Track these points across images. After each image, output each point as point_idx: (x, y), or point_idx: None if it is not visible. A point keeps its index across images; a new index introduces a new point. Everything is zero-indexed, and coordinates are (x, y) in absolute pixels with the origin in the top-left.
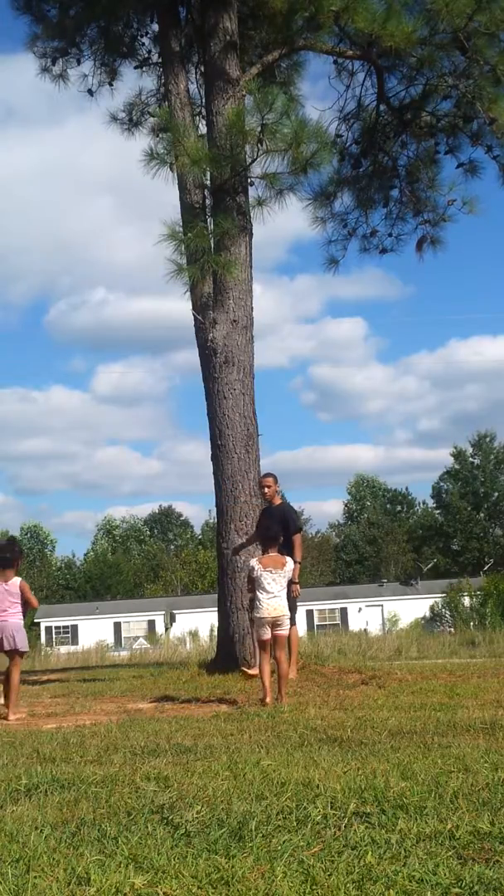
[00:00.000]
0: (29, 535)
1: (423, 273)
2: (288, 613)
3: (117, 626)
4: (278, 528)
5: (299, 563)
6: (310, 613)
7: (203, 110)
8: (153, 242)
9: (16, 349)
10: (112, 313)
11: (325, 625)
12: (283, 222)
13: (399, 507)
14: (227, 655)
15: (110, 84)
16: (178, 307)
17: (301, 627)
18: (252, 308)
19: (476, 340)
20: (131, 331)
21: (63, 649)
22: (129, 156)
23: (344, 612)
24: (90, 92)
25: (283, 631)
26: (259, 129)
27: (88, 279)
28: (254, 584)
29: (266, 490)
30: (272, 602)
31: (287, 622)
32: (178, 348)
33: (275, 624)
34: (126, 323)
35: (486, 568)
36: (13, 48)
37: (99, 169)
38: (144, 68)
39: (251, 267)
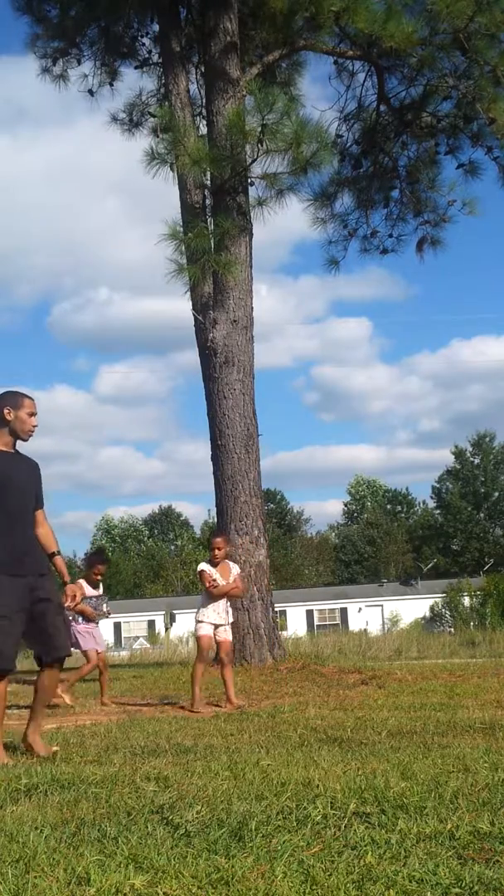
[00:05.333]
0: None
1: (428, 273)
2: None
3: (117, 626)
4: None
5: (60, 555)
6: (310, 613)
7: (203, 110)
8: (155, 242)
9: (20, 349)
10: (116, 314)
11: (325, 625)
12: (287, 223)
13: (399, 508)
14: None
15: (111, 84)
16: (181, 307)
17: (301, 627)
18: (252, 308)
19: (479, 340)
20: (134, 331)
21: None
22: (135, 156)
23: (344, 612)
24: (90, 92)
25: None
26: (259, 129)
27: (93, 280)
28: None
29: (31, 426)
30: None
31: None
32: (181, 349)
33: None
34: (130, 323)
35: (486, 568)
36: (24, 49)
37: (107, 169)
38: (145, 68)
39: (251, 267)
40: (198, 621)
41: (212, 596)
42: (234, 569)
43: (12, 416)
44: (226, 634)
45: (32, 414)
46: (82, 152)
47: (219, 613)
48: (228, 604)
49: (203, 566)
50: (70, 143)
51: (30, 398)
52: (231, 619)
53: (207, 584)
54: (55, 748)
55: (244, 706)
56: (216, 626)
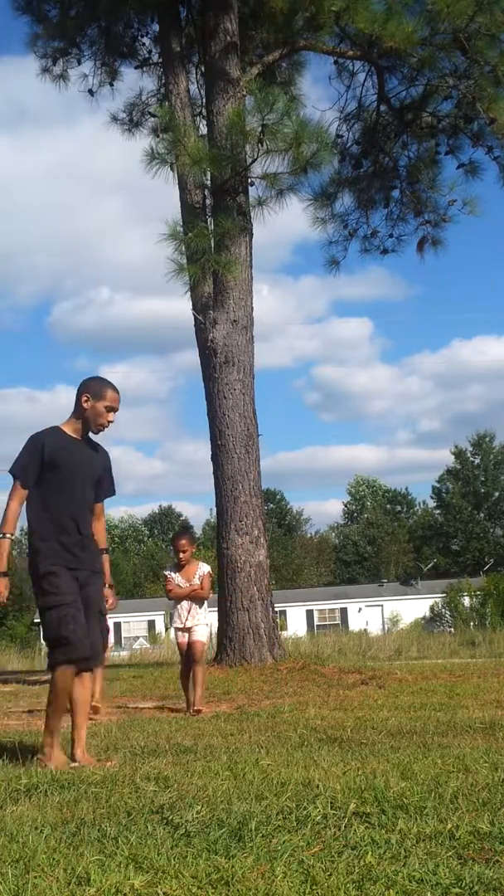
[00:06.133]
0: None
1: (429, 273)
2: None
3: (117, 626)
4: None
5: (108, 553)
6: (310, 613)
7: (203, 110)
8: (155, 242)
9: (22, 349)
10: (116, 314)
11: (325, 625)
12: (288, 223)
13: (399, 508)
14: (228, 655)
15: (111, 84)
16: (181, 307)
17: (301, 627)
18: (252, 308)
19: (479, 340)
20: (135, 331)
21: None
22: (136, 156)
23: (344, 612)
24: (91, 92)
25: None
26: (259, 129)
27: (93, 280)
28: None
29: (104, 421)
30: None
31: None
32: (181, 349)
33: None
34: (130, 323)
35: (486, 568)
36: (25, 49)
37: (108, 169)
38: (145, 68)
39: (251, 267)
40: (174, 628)
41: (175, 600)
42: (202, 569)
43: (89, 405)
44: (196, 636)
45: (111, 409)
46: (83, 152)
47: (181, 616)
48: (195, 605)
49: (166, 571)
50: (71, 144)
51: (114, 391)
52: (201, 621)
53: (167, 589)
54: (110, 763)
55: (203, 712)
56: (189, 629)
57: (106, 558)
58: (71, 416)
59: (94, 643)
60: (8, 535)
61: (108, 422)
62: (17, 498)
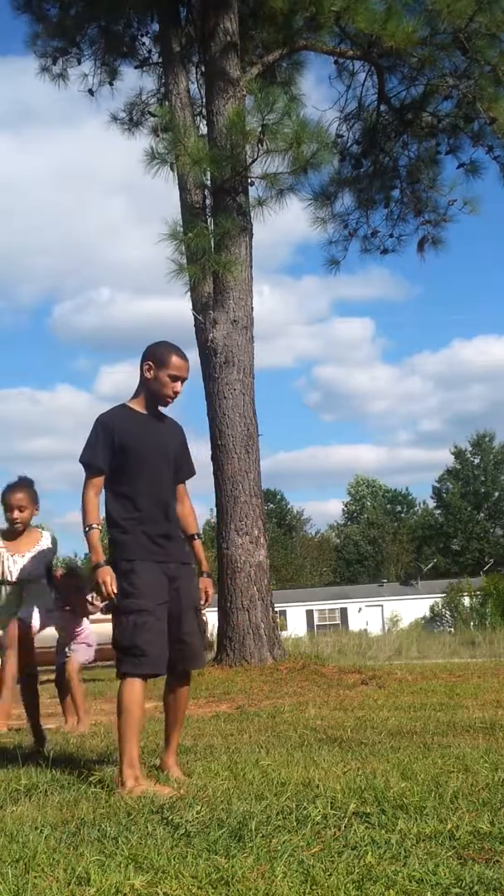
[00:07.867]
0: None
1: (430, 273)
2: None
3: None
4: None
5: (200, 538)
6: (310, 613)
7: (203, 110)
8: (155, 242)
9: (23, 349)
10: (117, 314)
11: (325, 625)
12: (289, 223)
13: (399, 508)
14: (228, 655)
15: (110, 84)
16: (182, 308)
17: (301, 627)
18: (252, 308)
19: (480, 340)
20: (136, 331)
21: None
22: (137, 156)
23: (344, 612)
24: (90, 92)
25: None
26: (259, 129)
27: (95, 280)
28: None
29: (170, 392)
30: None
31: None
32: (182, 349)
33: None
34: (131, 323)
35: (486, 568)
36: (26, 48)
37: (110, 170)
38: (145, 68)
39: (251, 267)
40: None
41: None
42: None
43: (152, 374)
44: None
45: (177, 378)
46: (86, 152)
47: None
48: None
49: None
50: (74, 144)
51: (180, 357)
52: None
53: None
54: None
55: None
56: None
57: (198, 544)
58: (137, 389)
59: (193, 644)
60: (94, 527)
61: (175, 392)
62: (93, 487)
